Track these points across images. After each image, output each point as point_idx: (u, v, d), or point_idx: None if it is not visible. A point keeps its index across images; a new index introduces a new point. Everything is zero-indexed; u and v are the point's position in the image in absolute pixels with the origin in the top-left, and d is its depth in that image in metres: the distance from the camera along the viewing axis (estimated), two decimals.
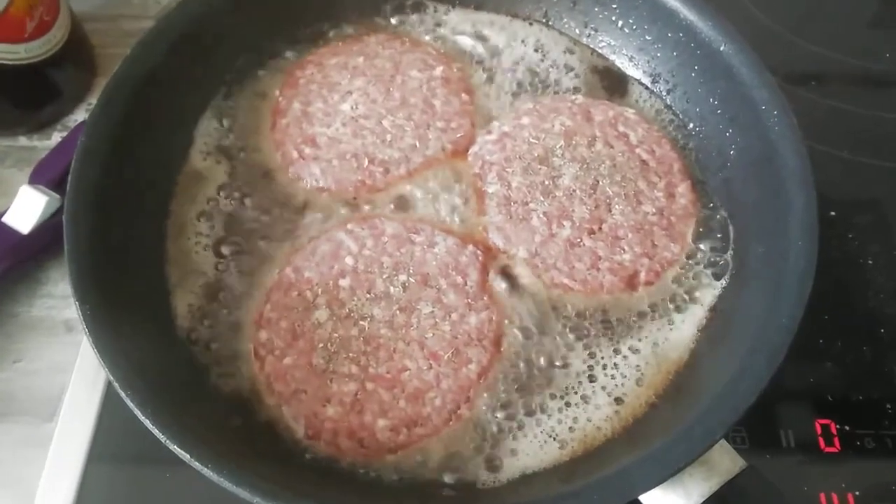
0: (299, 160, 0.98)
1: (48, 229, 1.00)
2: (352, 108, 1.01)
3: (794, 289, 0.77)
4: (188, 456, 0.66)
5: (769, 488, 0.72)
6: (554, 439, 0.81)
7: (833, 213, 1.06)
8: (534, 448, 0.81)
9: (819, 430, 0.91)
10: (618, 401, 0.84)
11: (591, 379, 0.85)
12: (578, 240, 0.92)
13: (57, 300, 1.02)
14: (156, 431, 0.68)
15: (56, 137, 1.14)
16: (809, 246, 0.79)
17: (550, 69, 1.07)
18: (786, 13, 1.28)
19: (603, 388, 0.84)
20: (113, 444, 0.90)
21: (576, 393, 0.84)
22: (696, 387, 0.81)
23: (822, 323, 0.97)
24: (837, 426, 0.91)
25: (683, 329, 0.88)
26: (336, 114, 1.01)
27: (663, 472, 0.67)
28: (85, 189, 0.83)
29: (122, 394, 0.70)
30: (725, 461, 0.72)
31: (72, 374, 0.93)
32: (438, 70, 1.05)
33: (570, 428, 0.82)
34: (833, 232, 1.04)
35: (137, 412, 0.69)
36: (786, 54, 1.24)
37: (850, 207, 1.08)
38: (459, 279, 0.89)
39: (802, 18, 1.28)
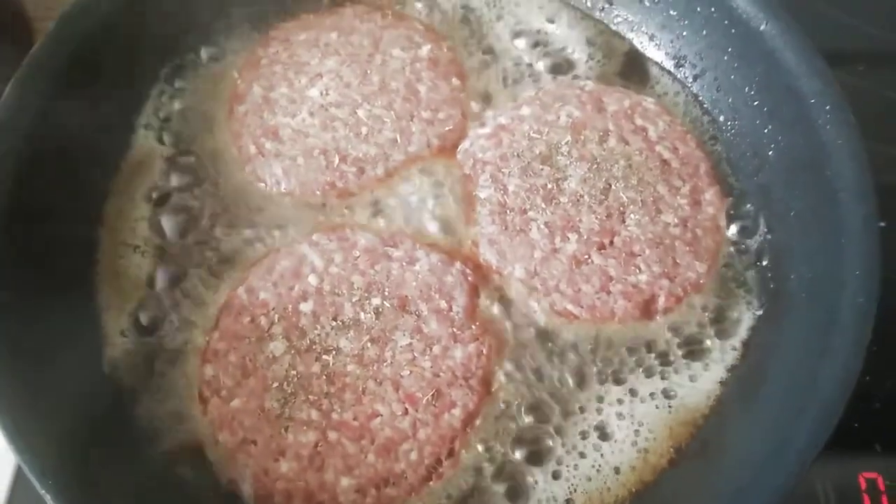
0: (258, 157, 0.83)
1: None
2: (321, 94, 0.86)
3: (849, 331, 0.64)
4: None
5: None
6: (555, 502, 0.68)
7: (883, 225, 0.91)
8: None
9: (863, 486, 0.78)
10: (631, 457, 0.70)
11: (600, 429, 0.72)
12: (586, 256, 0.78)
13: None
14: None
15: None
16: (869, 277, 0.65)
17: (557, 49, 0.92)
18: None
19: (613, 440, 0.71)
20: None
21: (581, 446, 0.71)
22: (725, 444, 0.68)
23: (868, 355, 0.83)
24: (886, 482, 0.78)
25: (710, 369, 0.74)
26: (303, 101, 0.86)
27: None
28: None
29: (18, 458, 0.57)
30: None
31: None
32: (425, 49, 0.90)
33: (573, 490, 0.68)
34: (883, 246, 0.89)
35: (36, 483, 0.56)
36: (829, 32, 1.08)
37: None
38: (444, 304, 0.75)
39: None
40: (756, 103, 0.83)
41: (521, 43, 0.92)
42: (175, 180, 0.83)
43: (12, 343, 0.65)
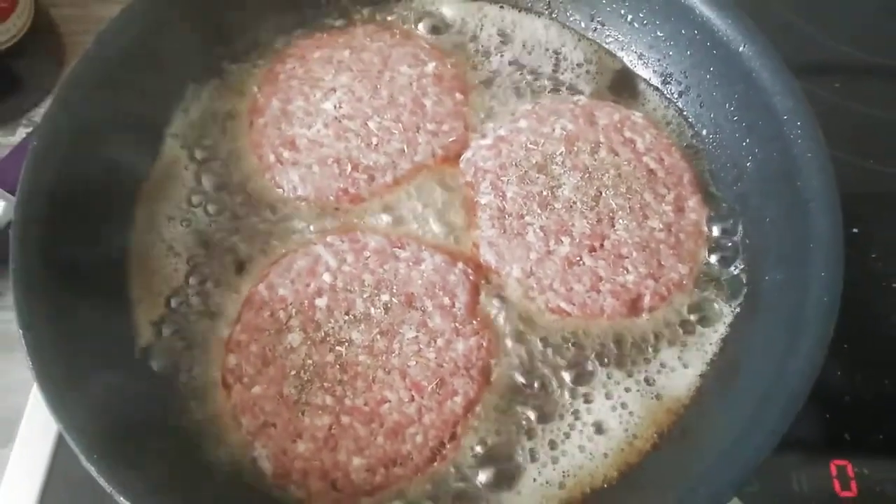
0: (277, 165, 0.90)
1: (7, 236, 0.92)
2: (335, 107, 0.93)
3: (814, 328, 0.70)
4: None
5: None
6: (549, 485, 0.74)
7: (855, 230, 0.98)
8: (527, 495, 0.74)
9: (834, 472, 0.84)
10: (620, 442, 0.76)
11: (590, 415, 0.78)
12: (578, 258, 0.85)
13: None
14: (101, 480, 0.61)
15: (21, 133, 1.06)
16: (833, 279, 0.71)
17: (552, 66, 0.98)
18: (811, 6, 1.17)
19: (602, 426, 0.77)
20: (73, 472, 0.83)
21: (572, 430, 0.77)
22: (704, 430, 0.74)
23: (839, 352, 0.89)
24: (855, 469, 0.84)
25: (690, 361, 0.81)
26: (318, 113, 0.93)
27: None
28: (37, 197, 0.76)
29: (67, 436, 0.63)
30: None
31: (30, 394, 0.86)
32: (430, 66, 0.96)
33: (566, 473, 0.75)
34: (854, 251, 0.95)
35: (82, 458, 0.63)
36: (807, 50, 1.15)
37: (874, 224, 1.00)
38: (447, 300, 0.82)
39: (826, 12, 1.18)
40: (736, 119, 0.89)
41: (518, 60, 0.98)
42: (200, 186, 0.89)
43: (51, 332, 0.70)
